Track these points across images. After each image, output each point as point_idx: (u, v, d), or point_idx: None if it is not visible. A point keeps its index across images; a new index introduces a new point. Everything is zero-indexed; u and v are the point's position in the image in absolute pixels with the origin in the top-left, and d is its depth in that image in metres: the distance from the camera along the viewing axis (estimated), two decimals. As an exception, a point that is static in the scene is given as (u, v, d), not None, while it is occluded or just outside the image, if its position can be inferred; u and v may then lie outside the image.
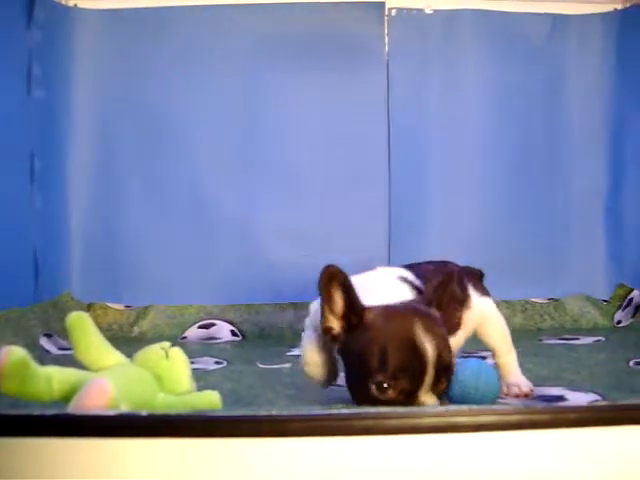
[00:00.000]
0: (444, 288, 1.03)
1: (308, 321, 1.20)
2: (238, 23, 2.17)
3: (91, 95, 2.13)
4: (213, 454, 0.66)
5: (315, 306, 1.13)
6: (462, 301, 1.20)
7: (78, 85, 2.13)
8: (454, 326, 1.12)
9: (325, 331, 1.01)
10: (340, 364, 1.15)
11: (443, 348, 0.92)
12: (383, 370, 0.90)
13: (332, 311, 1.00)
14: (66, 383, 0.85)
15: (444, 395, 0.95)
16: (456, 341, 1.10)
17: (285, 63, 2.18)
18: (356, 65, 2.20)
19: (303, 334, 1.20)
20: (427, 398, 0.91)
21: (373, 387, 0.90)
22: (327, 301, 1.00)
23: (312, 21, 2.19)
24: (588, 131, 2.29)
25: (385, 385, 0.90)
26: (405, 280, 1.12)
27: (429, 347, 0.90)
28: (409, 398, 0.90)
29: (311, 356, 1.14)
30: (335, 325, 1.00)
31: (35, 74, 1.95)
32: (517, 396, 1.23)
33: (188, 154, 2.14)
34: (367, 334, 0.95)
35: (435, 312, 1.00)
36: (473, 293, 1.24)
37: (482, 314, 1.24)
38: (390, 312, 0.98)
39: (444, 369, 0.92)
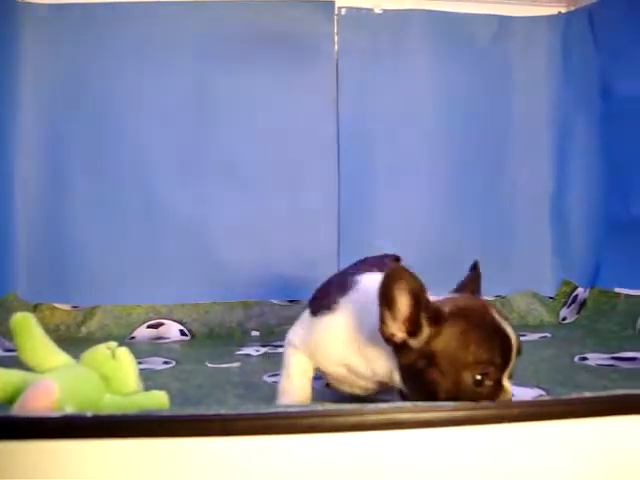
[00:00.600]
0: (478, 275, 1.08)
1: (297, 339, 1.13)
2: (187, 20, 2.16)
3: (37, 93, 2.10)
4: (160, 454, 0.66)
5: (307, 321, 1.11)
6: None
7: (24, 83, 2.09)
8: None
9: (388, 339, 0.93)
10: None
11: (516, 331, 0.94)
12: (479, 361, 0.89)
13: (394, 317, 0.92)
14: (10, 384, 0.84)
15: None
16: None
17: (235, 61, 2.17)
18: (306, 64, 2.21)
19: (287, 352, 1.14)
20: (508, 384, 0.92)
21: (470, 379, 0.88)
22: (390, 306, 0.92)
23: (262, 19, 2.18)
24: (534, 131, 2.33)
25: (481, 376, 0.88)
26: None
27: (511, 332, 0.92)
28: (499, 385, 0.91)
29: (293, 385, 1.09)
30: (396, 331, 0.93)
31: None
32: None
33: (136, 152, 2.12)
34: (454, 329, 0.92)
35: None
36: None
37: None
38: (463, 305, 0.97)
39: (520, 352, 0.94)
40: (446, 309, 0.94)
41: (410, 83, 2.26)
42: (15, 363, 0.91)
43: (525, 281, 2.30)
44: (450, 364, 0.90)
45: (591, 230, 2.24)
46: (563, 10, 2.37)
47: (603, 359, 1.56)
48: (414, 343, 0.92)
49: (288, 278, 2.12)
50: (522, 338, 1.87)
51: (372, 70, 2.23)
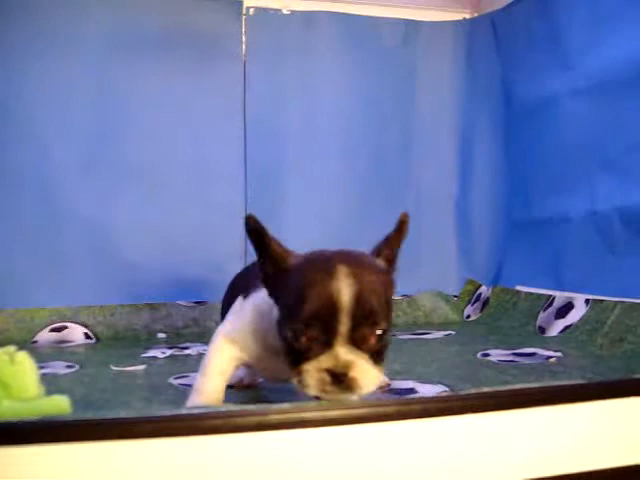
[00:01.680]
0: (399, 230, 1.00)
1: (228, 327, 1.08)
2: (91, 15, 2.10)
3: None
4: (61, 460, 0.65)
5: (238, 306, 1.08)
6: None
7: None
8: None
9: (263, 276, 0.95)
10: None
11: (366, 295, 0.84)
12: (296, 315, 0.84)
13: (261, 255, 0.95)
14: None
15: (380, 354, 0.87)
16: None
17: (141, 59, 2.13)
18: (213, 63, 2.19)
19: (211, 348, 1.07)
20: (343, 351, 0.83)
21: (289, 333, 0.86)
22: (264, 245, 0.94)
23: (168, 17, 2.16)
24: (438, 134, 2.38)
25: (298, 332, 0.84)
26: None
27: (345, 293, 0.83)
28: (324, 347, 0.83)
29: (207, 385, 1.04)
30: (269, 269, 0.94)
31: None
32: (381, 388, 1.26)
33: (37, 150, 2.05)
34: (289, 278, 0.90)
35: (377, 261, 0.95)
36: None
37: None
38: (315, 256, 0.93)
39: (364, 317, 0.83)
40: (295, 259, 0.93)
41: (317, 84, 2.27)
42: None
43: (431, 280, 2.35)
44: (282, 317, 0.90)
45: (494, 231, 2.31)
46: (468, 16, 2.43)
47: (504, 355, 1.60)
48: (270, 284, 0.95)
49: (195, 279, 2.11)
50: (427, 336, 1.92)
51: (280, 70, 2.24)
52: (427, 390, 1.26)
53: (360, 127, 2.30)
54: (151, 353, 1.73)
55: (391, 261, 0.98)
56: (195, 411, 0.68)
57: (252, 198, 2.19)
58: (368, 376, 0.83)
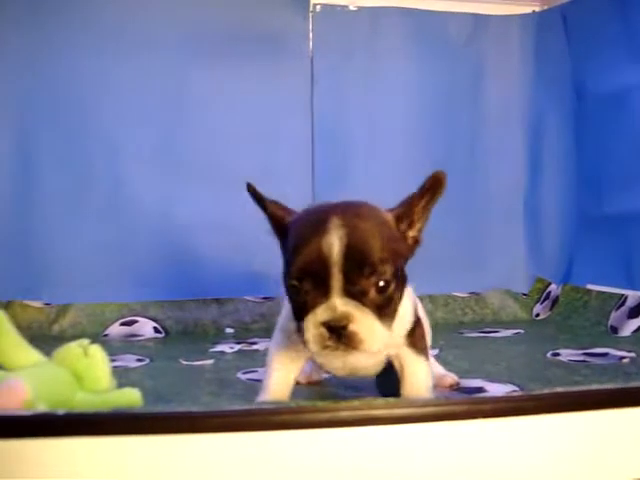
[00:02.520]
0: (423, 190, 0.94)
1: (281, 323, 1.07)
2: (161, 15, 2.14)
3: (5, 86, 2.07)
4: (132, 452, 0.66)
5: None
6: None
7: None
8: None
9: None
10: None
11: (360, 244, 0.81)
12: (291, 271, 0.84)
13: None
14: (-20, 383, 0.83)
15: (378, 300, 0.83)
16: None
17: (209, 58, 2.16)
18: (280, 60, 2.20)
19: (271, 350, 1.08)
20: (340, 302, 0.80)
21: (289, 290, 0.86)
22: (265, 210, 1.00)
23: (235, 15, 2.17)
24: (507, 130, 2.34)
25: (294, 288, 0.84)
26: None
27: (336, 243, 0.80)
28: (322, 300, 0.81)
29: (272, 382, 1.03)
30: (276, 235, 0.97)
31: None
32: (451, 386, 1.26)
33: (107, 149, 2.10)
34: (287, 236, 0.91)
35: (383, 212, 0.92)
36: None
37: None
38: (311, 210, 0.93)
39: (356, 265, 0.80)
40: (289, 218, 0.95)
41: (384, 80, 2.26)
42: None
43: (499, 278, 2.32)
44: (284, 272, 0.89)
45: (564, 228, 2.26)
46: (537, 9, 2.39)
47: (575, 355, 1.57)
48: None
49: (262, 275, 2.12)
50: (495, 334, 1.90)
51: (347, 67, 2.23)
52: (496, 389, 1.24)
53: (427, 123, 2.28)
54: (219, 348, 1.75)
55: (411, 219, 0.93)
56: (265, 406, 0.69)
57: (319, 195, 2.19)
58: (371, 330, 0.80)
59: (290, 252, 0.86)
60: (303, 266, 0.82)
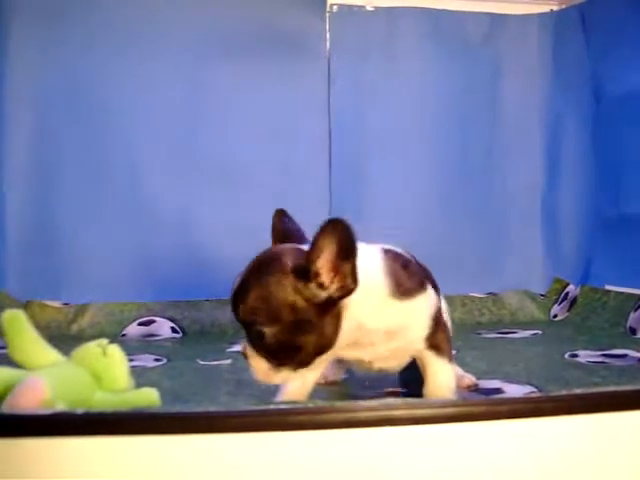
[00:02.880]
0: (315, 244, 0.91)
1: None
2: (179, 16, 2.15)
3: (26, 86, 2.08)
4: (151, 452, 0.66)
5: None
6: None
7: (12, 75, 2.07)
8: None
9: None
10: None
11: (242, 297, 0.93)
12: None
13: None
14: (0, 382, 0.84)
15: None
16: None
17: (226, 57, 2.16)
18: (297, 61, 2.20)
19: None
20: (245, 343, 0.94)
21: None
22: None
23: (252, 15, 2.18)
24: (525, 130, 2.33)
25: None
26: (387, 250, 1.05)
27: (234, 290, 0.95)
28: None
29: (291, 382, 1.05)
30: None
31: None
32: (469, 387, 1.25)
33: (127, 149, 2.11)
34: None
35: (285, 265, 0.93)
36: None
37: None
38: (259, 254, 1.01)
39: (240, 318, 0.94)
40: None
41: (401, 80, 2.26)
42: (5, 360, 0.91)
43: (517, 279, 2.31)
44: None
45: (582, 228, 2.25)
46: (555, 8, 2.37)
47: (594, 356, 1.56)
48: None
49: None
50: (513, 335, 1.89)
51: (364, 67, 2.24)
52: (514, 390, 1.24)
53: (444, 123, 2.28)
54: (236, 348, 1.75)
55: (315, 273, 0.91)
56: (282, 406, 0.69)
57: (336, 195, 2.19)
58: (257, 367, 0.93)
59: None
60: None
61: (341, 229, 0.88)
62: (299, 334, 0.90)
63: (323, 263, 0.90)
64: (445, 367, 1.02)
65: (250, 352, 0.92)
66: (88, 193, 2.10)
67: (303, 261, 0.91)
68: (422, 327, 0.99)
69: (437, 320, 1.02)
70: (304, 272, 0.91)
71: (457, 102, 2.28)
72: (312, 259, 0.90)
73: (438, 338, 1.02)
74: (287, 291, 0.91)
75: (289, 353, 0.91)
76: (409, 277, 0.99)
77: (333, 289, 0.90)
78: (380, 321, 0.95)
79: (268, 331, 0.89)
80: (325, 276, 0.90)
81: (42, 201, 2.09)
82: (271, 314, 0.90)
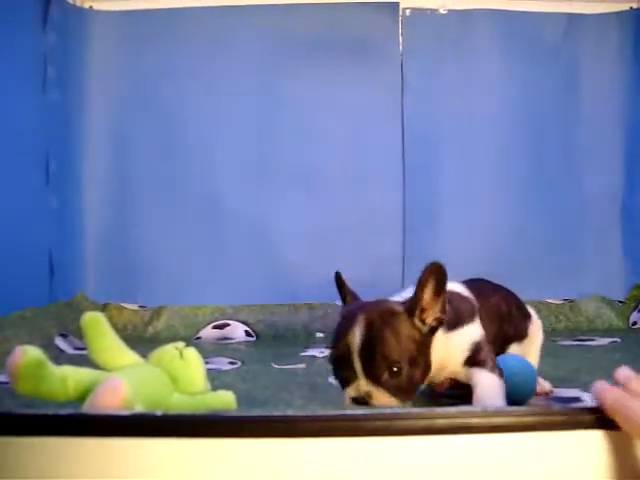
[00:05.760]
0: (422, 282, 1.04)
1: None
2: (251, 24, 2.18)
3: (105, 96, 2.14)
4: (228, 454, 0.66)
5: None
6: (527, 314, 1.31)
7: (92, 87, 2.14)
8: (521, 335, 1.27)
9: None
10: None
11: (371, 341, 0.98)
12: (329, 356, 1.04)
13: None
14: (81, 383, 0.85)
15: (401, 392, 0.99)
16: (521, 349, 1.24)
17: (300, 64, 2.18)
18: (370, 65, 2.21)
19: None
20: (363, 384, 0.98)
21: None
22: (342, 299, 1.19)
23: (326, 21, 2.20)
24: (603, 130, 2.28)
25: (331, 368, 1.03)
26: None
27: (355, 340, 0.98)
28: (350, 381, 0.99)
29: None
30: None
31: (50, 76, 1.97)
32: (537, 394, 1.23)
33: (202, 154, 2.15)
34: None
35: (397, 308, 1.04)
36: (531, 310, 1.34)
37: (537, 328, 1.33)
38: (347, 309, 1.11)
39: (371, 358, 0.97)
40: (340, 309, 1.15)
41: (475, 83, 2.24)
42: (85, 361, 0.92)
43: (594, 284, 2.26)
44: None
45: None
46: (635, 5, 2.31)
47: (676, 365, 1.51)
48: None
49: (353, 280, 2.12)
50: (591, 343, 1.85)
51: (437, 71, 2.22)
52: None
53: (521, 126, 2.24)
54: (310, 352, 1.76)
55: (421, 309, 1.04)
56: (359, 412, 0.68)
57: (410, 200, 2.19)
58: (386, 404, 0.98)
59: (331, 339, 1.06)
60: (334, 355, 1.02)
61: (439, 270, 1.02)
62: (418, 367, 1.02)
63: (426, 299, 1.03)
64: (486, 375, 1.09)
65: (377, 394, 0.98)
66: (164, 198, 2.14)
67: (409, 301, 1.04)
68: (457, 358, 1.10)
69: (477, 346, 1.12)
70: (412, 311, 1.03)
71: (534, 105, 2.25)
72: (420, 297, 1.03)
73: (474, 357, 1.10)
74: (409, 329, 1.03)
75: (413, 385, 1.02)
76: (455, 311, 1.10)
77: (431, 320, 1.04)
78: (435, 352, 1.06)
79: (405, 368, 0.99)
80: (427, 311, 1.04)
81: (120, 206, 2.14)
82: (404, 352, 1.00)
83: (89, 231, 2.13)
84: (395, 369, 0.98)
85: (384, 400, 0.97)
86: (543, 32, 2.27)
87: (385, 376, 0.98)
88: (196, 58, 2.17)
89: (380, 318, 1.01)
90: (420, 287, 1.03)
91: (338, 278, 1.19)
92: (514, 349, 1.25)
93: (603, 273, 2.27)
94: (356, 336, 0.98)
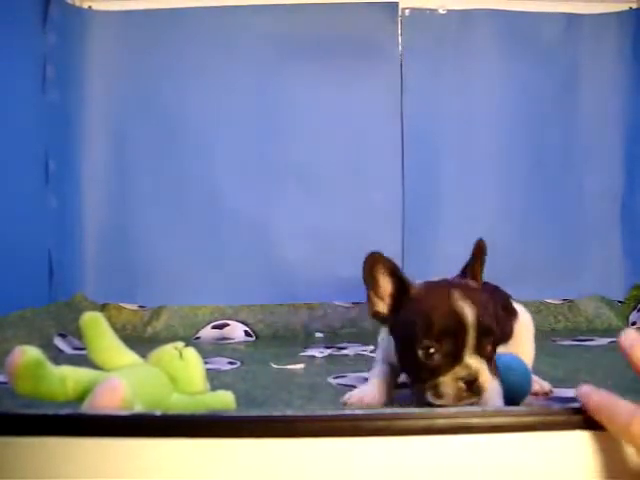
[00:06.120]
0: (476, 258, 1.07)
1: (379, 354, 1.23)
2: (251, 24, 2.18)
3: (105, 96, 2.14)
4: (227, 454, 0.66)
5: (384, 337, 1.19)
6: (512, 312, 1.31)
7: (92, 86, 2.14)
8: (507, 335, 1.25)
9: (374, 315, 1.08)
10: None
11: (482, 312, 0.97)
12: (428, 335, 0.97)
13: (377, 294, 1.07)
14: (80, 383, 0.85)
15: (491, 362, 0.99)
16: (507, 350, 1.18)
17: (299, 64, 2.18)
18: (370, 65, 2.21)
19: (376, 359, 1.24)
20: (472, 360, 0.96)
21: (420, 353, 0.97)
22: (373, 286, 1.07)
23: (325, 21, 2.20)
24: (603, 130, 2.28)
25: (432, 350, 0.97)
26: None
27: (468, 311, 0.96)
28: (455, 361, 0.96)
29: (368, 389, 1.13)
30: (382, 308, 1.07)
31: (49, 76, 1.97)
32: (536, 393, 1.23)
33: (202, 154, 2.15)
34: (413, 307, 1.02)
35: (472, 283, 1.06)
36: (517, 306, 1.34)
37: (525, 326, 1.35)
38: (430, 285, 1.05)
39: (485, 332, 0.97)
40: (415, 290, 1.05)
41: (475, 83, 2.24)
42: (84, 361, 0.92)
43: (593, 284, 2.26)
44: (406, 339, 1.02)
45: (663, 233, 2.19)
46: (634, 6, 2.31)
47: (676, 365, 1.51)
48: (390, 319, 1.07)
49: (352, 280, 2.12)
50: (590, 343, 1.85)
51: (437, 71, 2.22)
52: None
53: (520, 127, 2.24)
54: (309, 352, 1.76)
55: (476, 279, 1.08)
56: (359, 412, 0.68)
57: (410, 199, 2.19)
58: (490, 380, 0.97)
59: (423, 319, 0.99)
60: (444, 329, 0.97)
61: (485, 247, 1.06)
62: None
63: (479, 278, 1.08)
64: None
65: (484, 367, 0.97)
66: (164, 198, 2.14)
67: (474, 279, 1.07)
68: None
69: None
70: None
71: (533, 105, 2.25)
72: (478, 273, 1.08)
73: None
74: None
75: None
76: None
77: None
78: None
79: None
80: None
81: (120, 206, 2.14)
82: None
83: (88, 231, 2.13)
84: (492, 343, 0.99)
85: (488, 376, 0.96)
86: (542, 32, 2.27)
87: (489, 349, 0.99)
88: (196, 58, 2.17)
89: (480, 294, 1.03)
90: (479, 264, 1.06)
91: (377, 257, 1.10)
92: (500, 351, 1.24)
93: (602, 273, 2.27)
94: (468, 310, 0.97)
